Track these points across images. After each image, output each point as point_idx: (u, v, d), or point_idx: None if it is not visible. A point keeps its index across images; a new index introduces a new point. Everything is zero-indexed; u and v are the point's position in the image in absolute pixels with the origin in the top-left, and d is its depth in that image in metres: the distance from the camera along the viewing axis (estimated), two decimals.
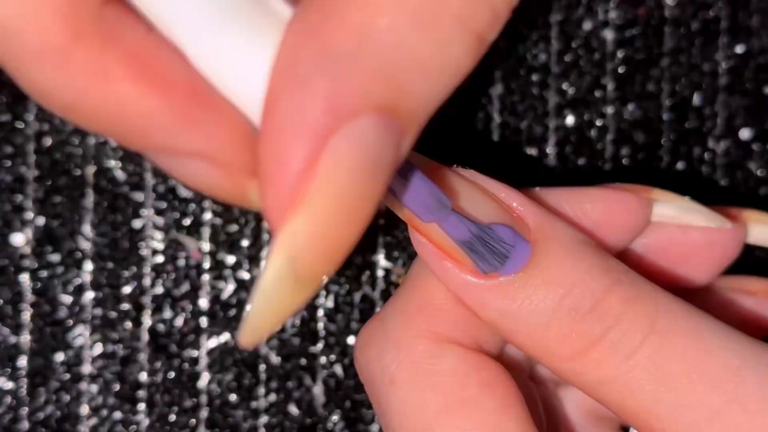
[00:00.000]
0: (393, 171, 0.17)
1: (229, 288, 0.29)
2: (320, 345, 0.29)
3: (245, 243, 0.29)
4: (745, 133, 0.30)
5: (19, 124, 0.27)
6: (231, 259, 0.29)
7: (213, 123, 0.17)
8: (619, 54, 0.30)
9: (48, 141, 0.28)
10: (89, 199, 0.28)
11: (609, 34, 0.30)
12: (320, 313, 0.29)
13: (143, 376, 0.28)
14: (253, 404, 0.29)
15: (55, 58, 0.16)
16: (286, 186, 0.16)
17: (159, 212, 0.28)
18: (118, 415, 0.28)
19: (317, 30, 0.16)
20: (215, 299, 0.28)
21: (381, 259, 0.29)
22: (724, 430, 0.18)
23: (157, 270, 0.28)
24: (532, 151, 0.30)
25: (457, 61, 0.16)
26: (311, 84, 0.15)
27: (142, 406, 0.28)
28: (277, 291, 0.17)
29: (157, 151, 0.17)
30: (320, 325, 0.29)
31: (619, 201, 0.22)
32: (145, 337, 0.28)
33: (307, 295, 0.17)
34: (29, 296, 0.28)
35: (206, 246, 0.28)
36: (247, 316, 0.17)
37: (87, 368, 0.28)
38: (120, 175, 0.28)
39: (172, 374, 0.28)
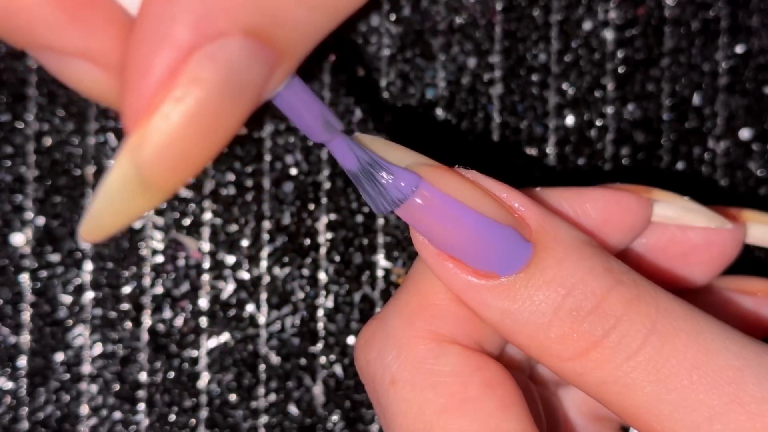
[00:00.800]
0: (258, 98, 0.17)
1: (228, 288, 0.29)
2: (320, 345, 0.29)
3: (245, 243, 0.28)
4: (745, 133, 0.30)
5: (19, 124, 0.27)
6: (231, 259, 0.28)
7: (99, 22, 0.17)
8: (619, 54, 0.30)
9: (48, 141, 0.28)
10: (89, 199, 0.28)
11: (609, 34, 0.30)
12: (320, 313, 0.29)
13: (143, 376, 0.28)
14: (253, 404, 0.29)
15: None
16: (144, 93, 0.16)
17: (159, 212, 0.28)
18: (117, 415, 0.28)
19: None
20: (215, 299, 0.28)
21: (381, 259, 0.29)
22: (723, 431, 0.18)
23: (157, 270, 0.28)
24: (532, 151, 0.30)
25: None
26: None
27: (141, 406, 0.28)
28: (120, 192, 0.17)
29: (42, 50, 0.18)
30: (320, 325, 0.29)
31: (620, 201, 0.22)
32: (145, 337, 0.28)
33: (152, 202, 0.17)
34: (29, 296, 0.28)
35: (206, 246, 0.28)
36: (88, 210, 0.17)
37: (87, 368, 0.28)
38: None
39: (171, 374, 0.28)
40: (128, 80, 0.16)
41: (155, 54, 0.16)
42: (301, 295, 0.29)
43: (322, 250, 0.29)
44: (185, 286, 0.28)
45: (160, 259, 0.28)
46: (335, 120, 0.19)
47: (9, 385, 0.28)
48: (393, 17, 0.29)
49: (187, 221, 0.28)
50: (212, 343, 0.28)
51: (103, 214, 0.17)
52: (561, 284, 0.19)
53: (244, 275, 0.29)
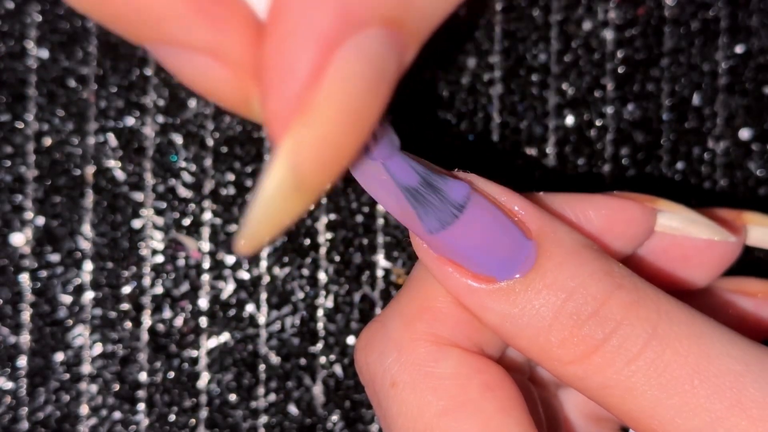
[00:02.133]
0: (393, 84, 0.17)
1: (228, 288, 0.29)
2: (320, 345, 0.29)
3: None
4: (744, 133, 0.30)
5: (19, 124, 0.27)
6: (230, 259, 0.28)
7: (227, 17, 0.16)
8: (619, 54, 0.30)
9: (48, 141, 0.28)
10: (89, 199, 0.28)
11: (609, 34, 0.30)
12: (320, 313, 0.29)
13: (143, 376, 0.28)
14: (253, 404, 0.29)
15: None
16: (291, 93, 0.15)
17: (159, 212, 0.28)
18: (117, 415, 0.28)
19: None
20: (215, 299, 0.28)
21: (381, 259, 0.29)
22: None
23: (157, 270, 0.28)
24: (532, 151, 0.30)
25: None
26: None
27: (141, 406, 0.28)
28: (278, 199, 0.16)
29: (166, 44, 0.17)
30: (320, 325, 0.29)
31: (623, 209, 0.22)
32: (145, 337, 0.28)
33: (306, 203, 0.17)
34: (29, 296, 0.28)
35: (206, 246, 0.28)
36: (247, 223, 0.17)
37: (86, 368, 0.28)
38: (119, 174, 0.28)
39: (171, 374, 0.28)
40: (271, 80, 0.16)
41: (299, 50, 0.15)
42: (301, 295, 0.29)
43: (322, 250, 0.29)
44: (185, 286, 0.28)
45: (160, 259, 0.28)
46: (395, 136, 0.19)
47: (9, 385, 0.28)
48: None
49: (187, 221, 0.28)
50: (212, 343, 0.28)
51: (260, 223, 0.17)
52: (561, 288, 0.19)
53: (244, 275, 0.29)
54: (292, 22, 0.15)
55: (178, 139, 0.28)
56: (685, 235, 0.23)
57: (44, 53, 0.28)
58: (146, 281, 0.28)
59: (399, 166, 0.19)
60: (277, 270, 0.29)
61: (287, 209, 0.17)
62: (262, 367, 0.29)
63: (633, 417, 0.19)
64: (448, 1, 0.17)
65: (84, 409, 0.28)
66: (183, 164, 0.28)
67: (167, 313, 0.28)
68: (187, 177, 0.28)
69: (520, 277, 0.19)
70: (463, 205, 0.19)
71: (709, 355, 0.18)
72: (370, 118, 0.16)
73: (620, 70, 0.30)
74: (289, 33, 0.15)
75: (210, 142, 0.28)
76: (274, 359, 0.29)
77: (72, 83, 0.28)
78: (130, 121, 0.28)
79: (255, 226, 0.17)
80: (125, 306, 0.28)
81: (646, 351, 0.18)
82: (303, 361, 0.29)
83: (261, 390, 0.29)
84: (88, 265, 0.28)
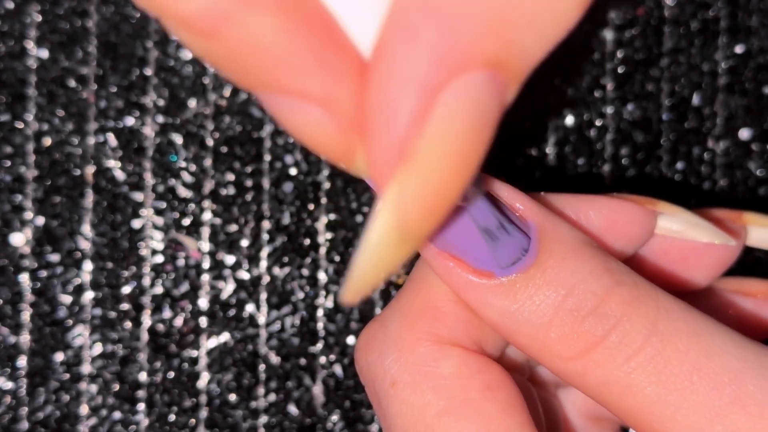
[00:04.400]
0: (496, 125, 0.16)
1: (228, 288, 0.28)
2: (320, 345, 0.29)
3: (244, 243, 0.28)
4: (744, 133, 0.30)
5: (19, 124, 0.27)
6: (230, 259, 0.28)
7: (340, 64, 0.16)
8: (619, 54, 0.30)
9: (47, 141, 0.28)
10: (88, 199, 0.28)
11: (609, 34, 0.30)
12: (320, 313, 0.29)
13: (143, 376, 0.28)
14: (253, 404, 0.29)
15: None
16: (394, 141, 0.15)
17: (158, 212, 0.28)
18: (117, 415, 0.28)
19: None
20: (215, 299, 0.28)
21: None
22: None
23: (157, 270, 0.28)
24: (532, 151, 0.30)
25: (564, 14, 0.16)
26: (419, 35, 0.15)
27: (141, 406, 0.28)
28: (383, 249, 0.16)
29: (279, 91, 0.16)
30: (320, 325, 0.29)
31: (624, 211, 0.22)
32: (145, 337, 0.28)
33: (410, 251, 0.17)
34: (29, 296, 0.28)
35: (206, 246, 0.28)
36: (352, 274, 0.16)
37: (86, 368, 0.28)
38: (119, 175, 0.28)
39: (171, 374, 0.28)
40: (374, 128, 0.15)
41: (400, 97, 0.15)
42: (301, 295, 0.29)
43: (322, 250, 0.29)
44: (185, 286, 0.28)
45: (160, 259, 0.28)
46: (481, 180, 0.19)
47: (9, 385, 0.28)
48: None
49: (187, 221, 0.28)
50: (212, 343, 0.28)
51: (365, 273, 0.17)
52: (562, 284, 0.19)
53: (244, 275, 0.29)
54: (393, 68, 0.15)
55: (178, 139, 0.28)
56: (686, 238, 0.23)
57: (44, 53, 0.28)
58: (146, 281, 0.28)
59: (482, 209, 0.19)
60: (277, 270, 0.29)
61: (392, 258, 0.16)
62: (262, 367, 0.29)
63: (632, 414, 0.19)
64: (548, 40, 0.16)
65: (84, 409, 0.28)
66: (183, 164, 0.28)
67: (167, 313, 0.28)
68: (187, 177, 0.28)
69: (520, 273, 0.19)
70: (525, 252, 0.19)
71: (708, 351, 0.18)
72: (473, 163, 0.16)
73: (620, 70, 0.30)
74: (391, 79, 0.15)
75: (210, 142, 0.28)
76: (274, 359, 0.29)
77: (72, 83, 0.28)
78: (130, 121, 0.28)
79: (360, 276, 0.17)
80: (125, 306, 0.28)
81: (646, 347, 0.19)
82: (303, 361, 0.29)
83: (261, 390, 0.29)
84: (88, 265, 0.28)
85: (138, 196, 0.28)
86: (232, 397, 0.28)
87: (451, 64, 0.15)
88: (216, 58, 0.16)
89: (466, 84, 0.15)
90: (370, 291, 0.17)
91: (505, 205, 0.20)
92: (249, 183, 0.28)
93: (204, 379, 0.28)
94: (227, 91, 0.28)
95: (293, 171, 0.29)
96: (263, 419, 0.29)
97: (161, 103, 0.28)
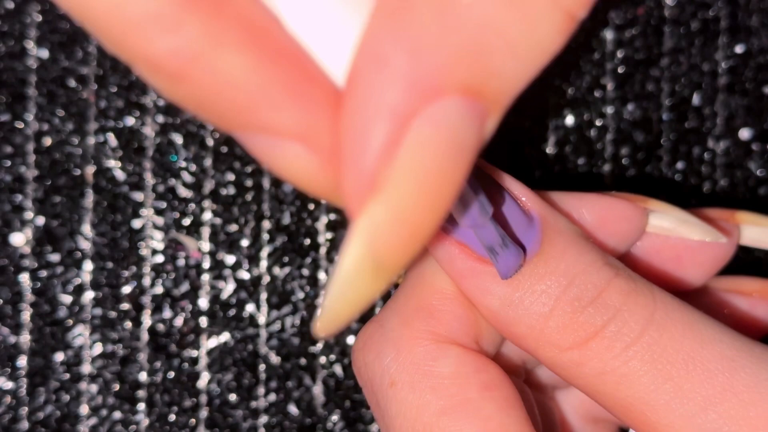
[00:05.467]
0: (475, 155, 0.16)
1: (228, 288, 0.29)
2: (320, 345, 0.29)
3: (245, 243, 0.29)
4: (744, 133, 0.30)
5: (19, 124, 0.27)
6: (230, 259, 0.29)
7: (315, 98, 0.16)
8: (619, 54, 0.30)
9: (47, 141, 0.28)
10: (89, 199, 0.28)
11: (609, 34, 0.30)
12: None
13: (143, 376, 0.28)
14: (253, 404, 0.29)
15: (168, 22, 0.14)
16: (365, 168, 0.15)
17: (159, 212, 0.28)
18: (117, 414, 0.28)
19: (398, 7, 0.15)
20: (215, 299, 0.28)
21: None
22: (717, 420, 0.18)
23: (157, 270, 0.28)
24: (532, 151, 0.30)
25: (546, 41, 0.15)
26: (390, 62, 0.15)
27: (141, 406, 0.28)
28: (355, 279, 0.16)
29: (255, 130, 0.16)
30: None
31: (615, 208, 0.22)
32: (145, 336, 0.28)
33: (385, 284, 0.16)
34: (29, 296, 0.28)
35: (206, 246, 0.28)
36: (323, 305, 0.16)
37: (87, 368, 0.28)
38: (119, 174, 0.28)
39: (171, 374, 0.28)
40: (346, 156, 0.15)
41: (372, 125, 0.15)
42: (301, 295, 0.29)
43: (322, 250, 0.29)
44: (185, 286, 0.28)
45: (160, 259, 0.28)
46: (487, 202, 0.19)
47: (9, 385, 0.28)
48: None
49: (187, 221, 0.28)
50: (212, 343, 0.28)
51: (337, 305, 0.16)
52: (563, 274, 0.19)
53: (244, 275, 0.29)
54: (364, 95, 0.15)
55: (178, 139, 0.28)
56: (677, 236, 0.23)
57: (44, 53, 0.28)
58: (146, 281, 0.28)
59: (490, 232, 0.19)
60: (277, 270, 0.29)
61: (365, 290, 0.16)
62: (262, 367, 0.29)
63: (628, 404, 0.19)
64: (529, 65, 0.16)
65: (84, 409, 0.28)
66: (183, 164, 0.28)
67: (167, 313, 0.28)
68: (187, 177, 0.28)
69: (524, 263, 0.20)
70: (520, 265, 0.20)
71: (702, 341, 0.19)
72: (448, 193, 0.15)
73: (620, 69, 0.30)
74: (362, 106, 0.15)
75: (210, 142, 0.28)
76: (274, 359, 0.29)
77: (72, 83, 0.28)
78: (130, 121, 0.28)
79: (332, 308, 0.16)
80: (125, 306, 0.28)
81: (644, 336, 0.19)
82: (303, 361, 0.29)
83: (261, 390, 0.29)
84: (88, 265, 0.28)
85: (138, 196, 0.28)
86: (233, 397, 0.28)
87: (423, 90, 0.15)
88: (189, 101, 0.16)
89: (439, 110, 0.15)
90: (344, 323, 0.17)
91: (503, 217, 0.20)
92: (249, 183, 0.28)
93: (204, 379, 0.28)
94: None
95: None
96: (263, 419, 0.29)
97: (161, 103, 0.28)
